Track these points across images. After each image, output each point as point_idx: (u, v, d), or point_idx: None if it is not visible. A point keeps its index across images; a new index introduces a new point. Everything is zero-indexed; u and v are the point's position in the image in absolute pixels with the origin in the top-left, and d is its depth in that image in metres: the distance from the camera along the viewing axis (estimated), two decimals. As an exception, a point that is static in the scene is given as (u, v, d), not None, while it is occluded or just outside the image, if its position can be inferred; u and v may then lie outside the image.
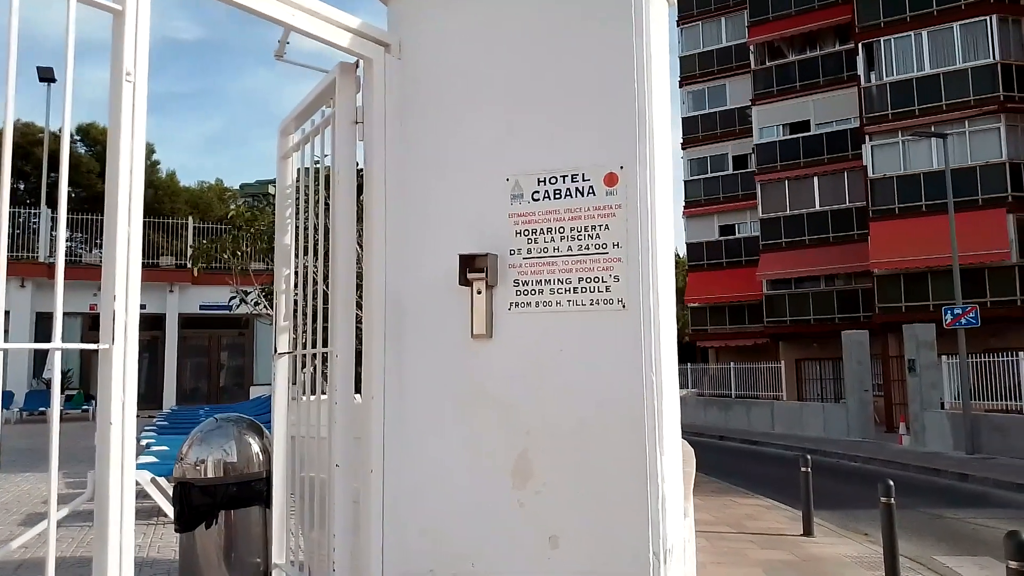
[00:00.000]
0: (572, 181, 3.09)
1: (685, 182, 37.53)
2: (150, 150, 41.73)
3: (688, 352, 41.82)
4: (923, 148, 25.80)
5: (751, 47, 33.24)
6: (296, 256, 3.88)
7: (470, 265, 3.10)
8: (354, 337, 3.26)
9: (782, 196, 31.46)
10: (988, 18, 25.00)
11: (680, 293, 42.16)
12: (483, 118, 3.26)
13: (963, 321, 18.27)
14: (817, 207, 30.53)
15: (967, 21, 25.27)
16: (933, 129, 25.16)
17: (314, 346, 3.46)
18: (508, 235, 3.15)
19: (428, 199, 3.30)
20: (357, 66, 3.33)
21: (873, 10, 26.92)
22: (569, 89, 3.14)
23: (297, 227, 3.88)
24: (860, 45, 27.28)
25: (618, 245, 3.00)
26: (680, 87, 37.72)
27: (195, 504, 3.75)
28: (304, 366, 3.64)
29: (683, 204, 37.60)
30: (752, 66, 33.19)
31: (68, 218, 28.53)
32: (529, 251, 3.12)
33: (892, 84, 26.40)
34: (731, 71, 35.80)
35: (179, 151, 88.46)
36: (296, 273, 3.84)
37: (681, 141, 37.62)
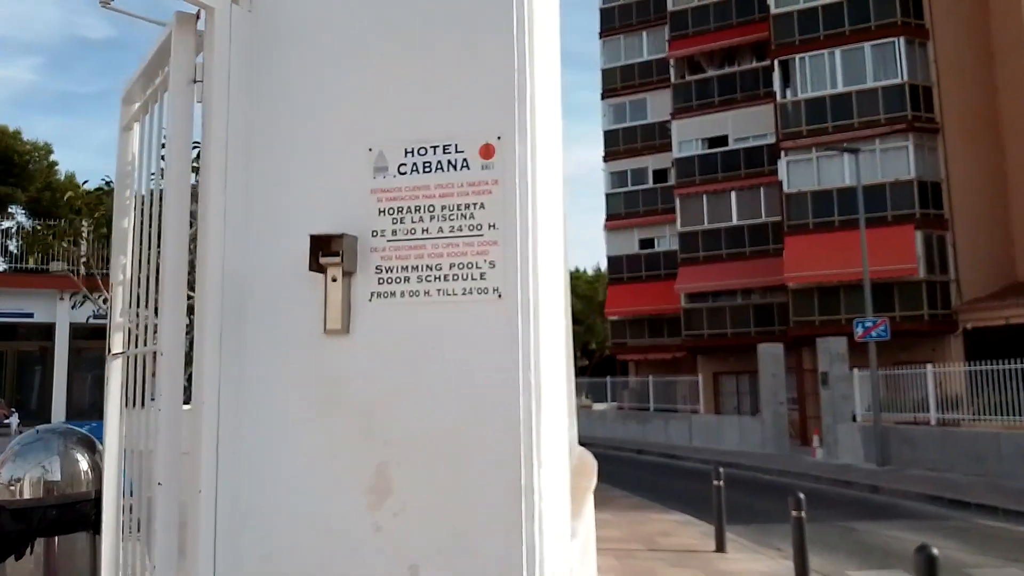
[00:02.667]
0: (444, 153, 2.67)
1: (606, 195, 37.65)
2: (47, 151, 39.50)
3: (608, 366, 41.89)
4: (836, 165, 26.30)
5: (671, 61, 33.56)
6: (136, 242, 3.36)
7: (323, 248, 2.65)
8: (184, 333, 2.76)
9: (700, 210, 31.73)
10: (896, 40, 25.68)
11: (600, 306, 42.23)
12: (344, 79, 2.82)
13: (874, 334, 18.51)
14: (734, 221, 30.87)
15: (877, 42, 25.92)
16: (845, 146, 25.70)
17: (148, 344, 2.95)
18: (370, 214, 2.71)
19: (278, 171, 2.84)
20: (198, 17, 2.85)
21: (788, 28, 27.41)
22: (443, 50, 2.73)
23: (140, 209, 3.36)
24: (776, 62, 27.75)
25: (494, 226, 2.59)
26: (602, 99, 37.88)
27: (5, 531, 3.19)
28: (139, 368, 3.12)
29: (604, 217, 37.70)
30: (672, 80, 33.47)
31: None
32: (394, 233, 2.68)
33: (807, 101, 26.88)
34: (652, 85, 36.07)
35: (82, 152, 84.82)
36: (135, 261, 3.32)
37: (603, 154, 37.76)
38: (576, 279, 52.23)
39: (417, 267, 2.65)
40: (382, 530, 2.54)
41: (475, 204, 2.62)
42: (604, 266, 40.43)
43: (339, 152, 2.77)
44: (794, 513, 5.97)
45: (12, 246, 27.60)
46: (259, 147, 2.85)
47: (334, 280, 2.68)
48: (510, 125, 2.61)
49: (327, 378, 2.68)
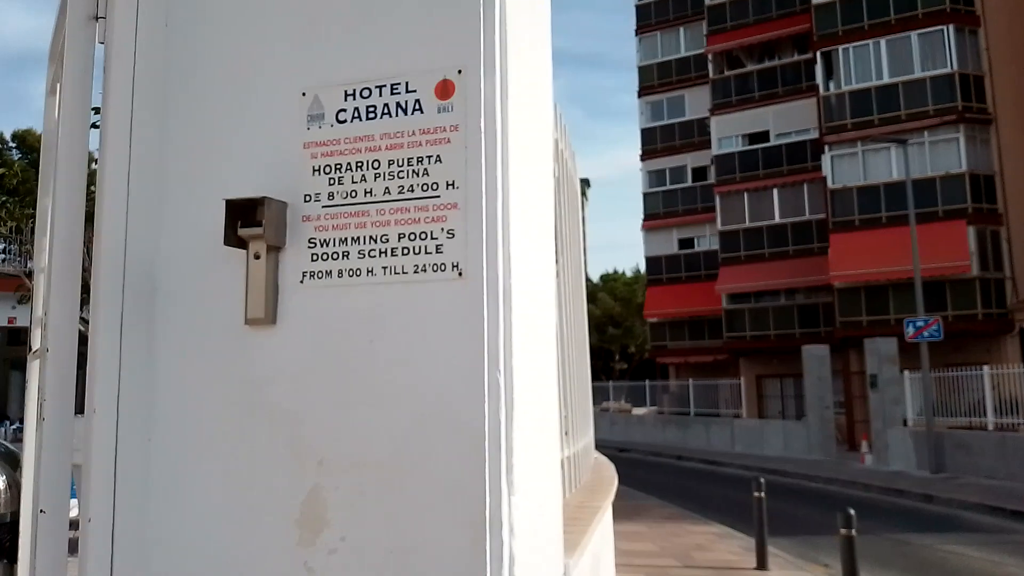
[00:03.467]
0: (393, 94, 2.12)
1: (644, 194, 36.92)
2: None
3: (648, 369, 41.09)
4: (882, 159, 25.33)
5: (709, 56, 32.75)
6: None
7: (243, 216, 2.12)
8: (76, 326, 2.24)
9: (741, 208, 30.86)
10: (945, 28, 24.64)
11: (638, 308, 41.46)
12: (274, 10, 2.28)
13: (926, 334, 17.62)
14: (777, 219, 29.96)
15: (925, 30, 24.90)
16: (893, 136, 24.74)
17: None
18: (302, 174, 2.18)
19: (195, 124, 2.31)
20: (102, -61, 2.33)
21: (831, 18, 26.49)
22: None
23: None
24: (818, 54, 26.84)
25: (453, 185, 2.04)
26: (638, 98, 37.18)
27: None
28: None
29: (642, 217, 36.94)
30: (710, 76, 32.66)
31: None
32: (331, 196, 2.14)
33: (851, 93, 25.94)
34: (690, 81, 35.27)
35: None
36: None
37: (640, 153, 37.03)
38: (614, 280, 51.46)
39: (358, 239, 2.10)
40: (315, 572, 2.00)
41: (430, 157, 2.06)
42: (643, 266, 39.63)
43: (267, 98, 2.23)
44: (843, 531, 5.33)
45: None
46: (172, 97, 2.33)
47: (257, 257, 2.15)
48: (474, 55, 2.06)
49: (247, 380, 2.14)
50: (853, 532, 5.34)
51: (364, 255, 2.07)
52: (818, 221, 28.28)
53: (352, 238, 2.09)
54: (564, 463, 3.75)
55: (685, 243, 35.85)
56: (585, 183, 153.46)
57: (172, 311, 2.22)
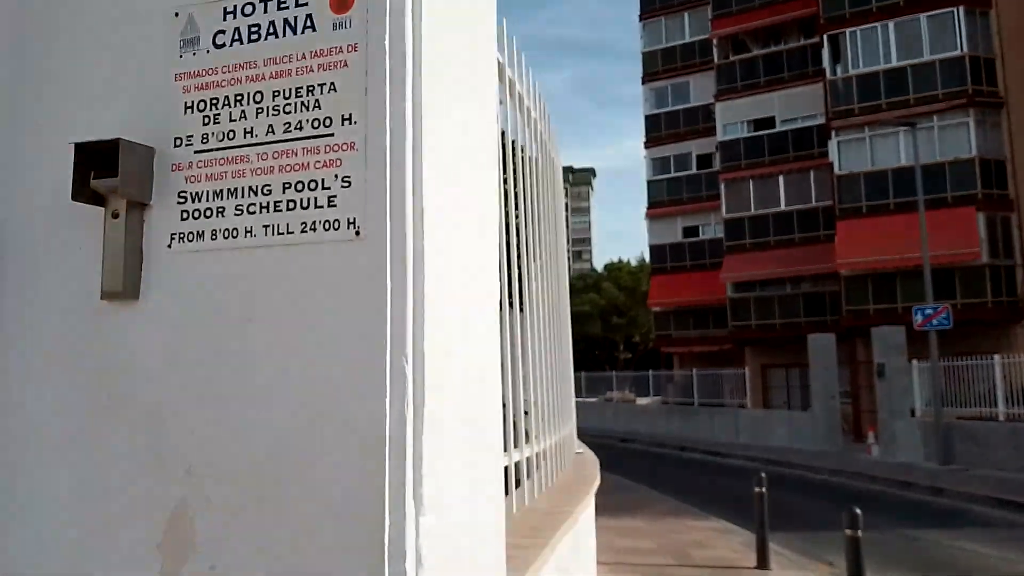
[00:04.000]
0: (280, 8, 1.70)
1: (648, 182, 36.46)
2: None
3: (652, 359, 40.68)
4: (890, 144, 24.80)
5: (714, 42, 32.23)
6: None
7: (97, 164, 1.70)
8: None
9: (746, 196, 30.37)
10: (955, 9, 24.06)
11: (643, 297, 41.01)
12: (144, -86, 1.85)
13: (935, 322, 17.15)
14: (783, 206, 29.46)
15: (934, 12, 24.31)
16: (901, 120, 24.20)
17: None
18: (173, 112, 1.76)
19: (49, 61, 1.89)
20: None
21: (838, 1, 25.92)
22: None
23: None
24: (825, 37, 26.28)
25: (351, 120, 1.62)
26: (642, 84, 36.66)
27: None
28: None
29: (646, 205, 36.46)
30: (715, 61, 32.12)
31: None
32: (205, 139, 1.73)
33: (858, 77, 25.39)
34: (694, 67, 34.75)
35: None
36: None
37: (644, 140, 36.51)
38: (619, 270, 51.02)
39: (236, 191, 1.68)
40: (178, 612, 1.59)
41: (323, 86, 1.64)
42: (647, 255, 39.17)
43: (131, 22, 1.81)
44: (848, 532, 4.91)
45: None
46: (24, 30, 1.92)
47: (115, 216, 1.73)
48: (377, -45, 1.64)
49: (102, 369, 1.72)
50: (859, 533, 4.93)
51: (243, 211, 1.65)
52: (825, 208, 27.77)
53: (229, 190, 1.67)
54: (526, 464, 3.33)
55: (690, 231, 35.39)
56: (591, 173, 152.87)
57: (13, 283, 1.80)
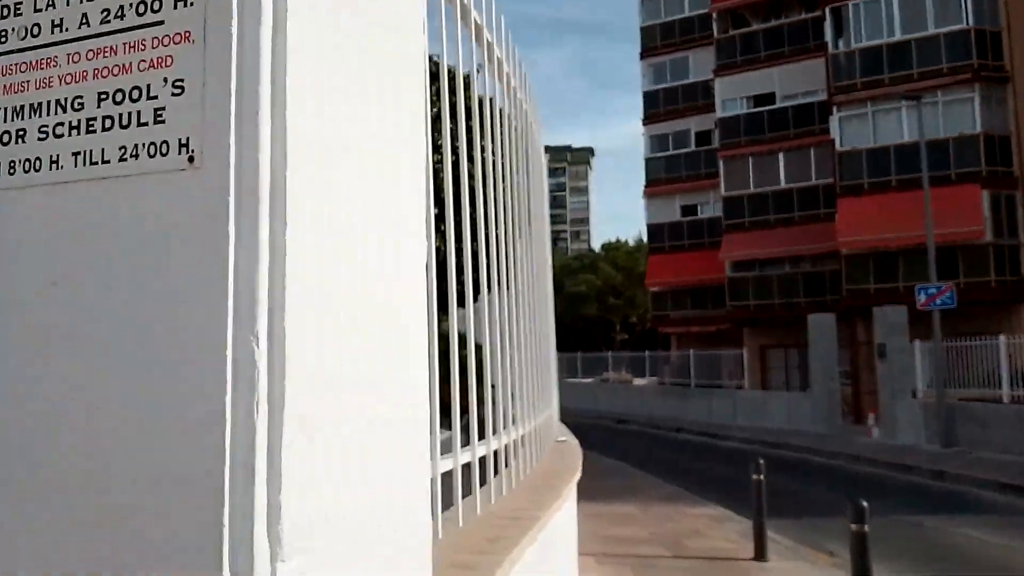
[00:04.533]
0: None
1: (646, 160, 35.89)
2: None
3: (650, 339, 40.30)
4: (893, 120, 24.28)
5: (714, 16, 31.58)
6: None
7: None
8: None
9: (746, 173, 29.84)
10: (961, -19, 23.46)
11: (641, 277, 40.57)
12: None
13: (938, 302, 16.72)
14: (783, 184, 28.95)
15: (940, -16, 23.71)
16: (905, 93, 23.66)
17: None
18: (-37, 1, 1.29)
19: None
20: None
21: (841, -27, 25.30)
22: None
23: None
24: (827, 10, 25.66)
25: (186, 1, 1.15)
26: (640, 60, 36.02)
27: None
28: None
29: (643, 183, 35.93)
30: (715, 35, 31.49)
31: None
32: (3, 37, 1.26)
33: (861, 51, 24.81)
34: (694, 42, 34.10)
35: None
36: None
37: (642, 117, 35.91)
38: (616, 250, 50.54)
39: (40, 107, 1.22)
40: None
41: (147, -42, 1.19)
42: (644, 234, 38.70)
43: None
44: (854, 526, 4.49)
45: None
46: None
47: None
48: None
49: None
50: (865, 528, 4.51)
51: (48, 133, 1.20)
52: (825, 186, 27.26)
53: (32, 106, 1.21)
54: (494, 458, 2.89)
55: (688, 210, 34.89)
56: (589, 152, 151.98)
57: None
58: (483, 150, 3.48)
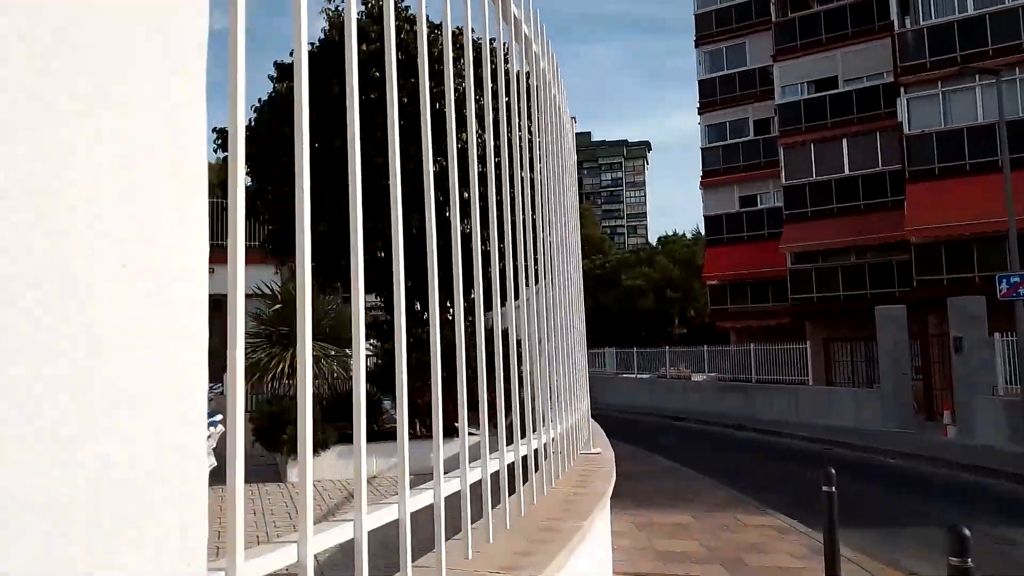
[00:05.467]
0: None
1: (702, 150, 34.80)
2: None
3: (707, 334, 39.15)
4: (966, 100, 22.93)
5: (772, -2, 30.36)
6: None
7: None
8: None
9: (808, 161, 28.62)
10: (1040, -49, 22.00)
11: (698, 270, 39.45)
12: None
13: (1022, 291, 15.51)
14: (846, 172, 27.67)
15: (1016, -46, 22.28)
16: (977, 79, 22.31)
17: None
18: None
19: None
20: None
21: (908, -54, 23.99)
22: None
23: None
24: (894, -13, 24.35)
25: None
26: (696, 47, 34.95)
27: None
28: None
29: (700, 174, 34.85)
30: (773, 19, 30.29)
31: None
32: None
33: (930, 29, 23.48)
34: (751, 27, 32.97)
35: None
36: None
37: (697, 106, 34.83)
38: (673, 242, 49.39)
39: None
40: None
41: None
42: (701, 226, 37.58)
43: None
44: (954, 560, 3.71)
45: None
46: None
47: None
48: None
49: None
50: (969, 562, 3.72)
51: None
52: (892, 172, 25.96)
53: None
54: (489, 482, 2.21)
55: (747, 200, 33.75)
56: (646, 146, 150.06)
57: None
58: (508, 125, 2.88)
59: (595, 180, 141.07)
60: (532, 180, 3.54)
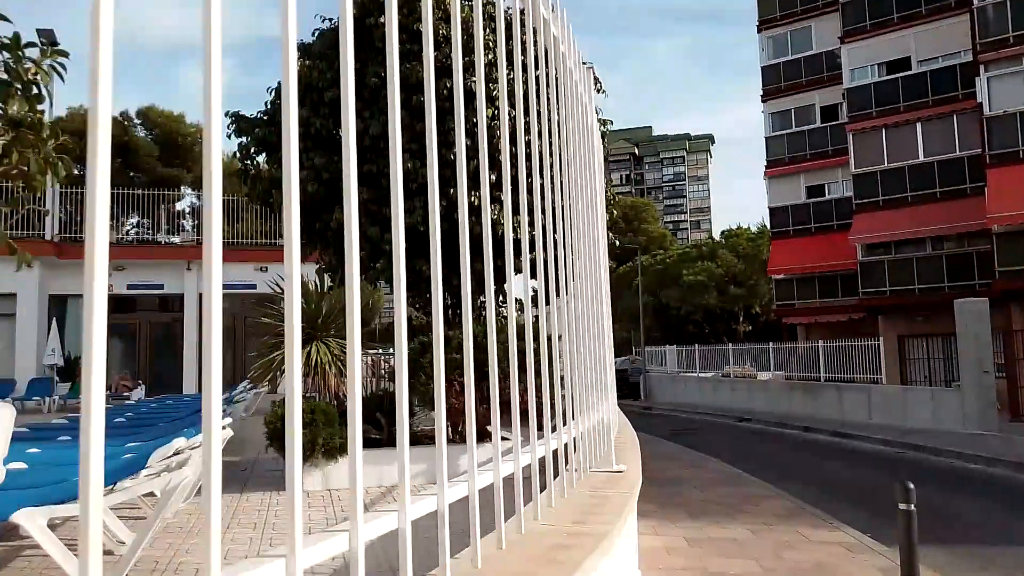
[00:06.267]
0: None
1: (766, 139, 33.42)
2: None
3: (774, 330, 37.69)
4: (1053, 76, 21.31)
5: (839, -24, 28.91)
6: None
7: None
8: None
9: (879, 147, 27.12)
10: None
11: (763, 265, 38.00)
12: None
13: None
14: (921, 158, 26.11)
15: (1108, -82, 20.61)
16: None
17: None
18: None
19: None
20: None
21: (987, -87, 22.44)
22: None
23: None
24: (971, -42, 22.82)
25: None
26: (758, 32, 33.58)
27: None
28: None
29: (764, 164, 33.49)
30: (840, -1, 28.85)
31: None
32: None
33: (1013, 0, 21.88)
34: (816, 10, 31.58)
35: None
36: None
37: (761, 93, 33.46)
38: (737, 236, 47.89)
39: None
40: None
41: None
42: (766, 219, 36.13)
43: None
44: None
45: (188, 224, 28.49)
46: None
47: None
48: None
49: None
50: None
51: None
52: (971, 157, 24.37)
53: None
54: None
55: (814, 191, 32.29)
56: (709, 139, 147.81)
57: None
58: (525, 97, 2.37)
59: (657, 175, 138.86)
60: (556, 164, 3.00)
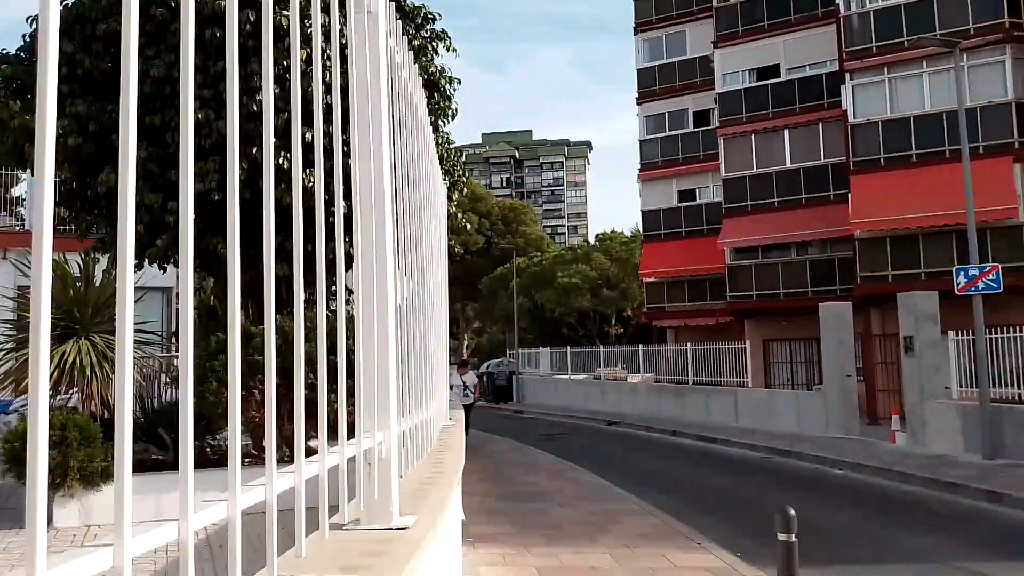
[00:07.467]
0: None
1: (640, 142, 33.38)
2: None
3: (646, 334, 37.76)
4: (912, 87, 21.80)
5: (713, -19, 29.03)
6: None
7: None
8: None
9: (748, 152, 27.35)
10: (990, -68, 20.94)
11: (636, 268, 38.05)
12: None
13: (981, 285, 14.22)
14: (788, 164, 26.44)
15: (965, -65, 21.19)
16: (925, 65, 21.19)
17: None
18: None
19: None
20: None
21: (854, -75, 22.78)
22: None
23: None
24: (839, -32, 23.14)
25: None
26: (634, 35, 33.52)
27: None
28: None
29: (637, 167, 33.42)
30: (714, 3, 28.97)
31: None
32: None
33: (876, 12, 22.33)
34: (691, 15, 31.67)
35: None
36: None
37: (636, 96, 33.39)
38: (610, 240, 48.03)
39: None
40: None
41: None
42: (639, 221, 36.12)
43: None
44: None
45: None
46: None
47: None
48: None
49: None
50: None
51: None
52: (835, 165, 24.76)
53: None
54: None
55: (685, 195, 32.43)
56: (587, 146, 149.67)
57: None
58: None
59: (537, 179, 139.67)
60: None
